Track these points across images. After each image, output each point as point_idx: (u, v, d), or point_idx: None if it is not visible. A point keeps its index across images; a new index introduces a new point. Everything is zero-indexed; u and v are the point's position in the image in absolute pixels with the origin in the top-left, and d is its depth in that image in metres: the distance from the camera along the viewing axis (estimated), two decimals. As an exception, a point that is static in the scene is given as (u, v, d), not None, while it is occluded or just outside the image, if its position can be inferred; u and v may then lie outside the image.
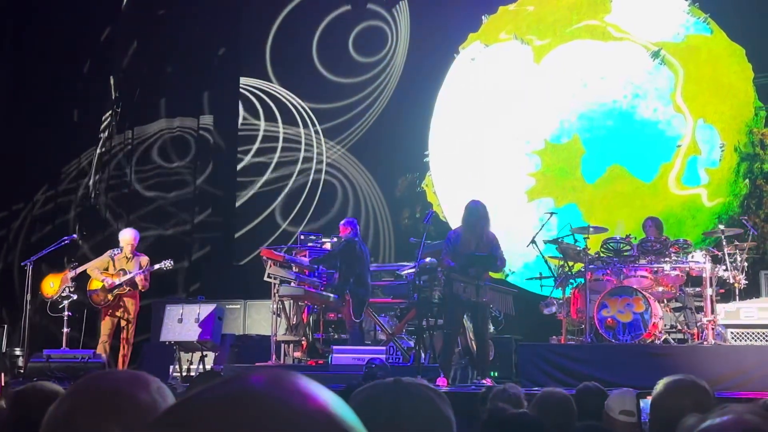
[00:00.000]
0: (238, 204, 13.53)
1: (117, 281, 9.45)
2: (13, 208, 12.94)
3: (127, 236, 9.77)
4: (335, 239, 10.25)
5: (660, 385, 2.82)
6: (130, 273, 9.47)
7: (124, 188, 13.18)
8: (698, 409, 2.36)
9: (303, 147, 13.39)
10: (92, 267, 9.68)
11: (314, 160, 13.30)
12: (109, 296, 9.50)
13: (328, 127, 13.29)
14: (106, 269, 9.63)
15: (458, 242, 8.20)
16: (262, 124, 13.60)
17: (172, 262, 9.63)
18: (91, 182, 13.16)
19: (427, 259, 9.02)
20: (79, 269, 9.76)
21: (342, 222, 9.82)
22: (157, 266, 9.54)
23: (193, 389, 0.82)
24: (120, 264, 9.63)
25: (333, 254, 9.60)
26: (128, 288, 9.52)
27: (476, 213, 8.27)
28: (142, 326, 11.74)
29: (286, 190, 13.35)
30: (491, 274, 8.61)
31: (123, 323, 9.54)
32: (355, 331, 9.24)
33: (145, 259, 9.69)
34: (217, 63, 13.80)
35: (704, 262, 8.56)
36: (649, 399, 2.89)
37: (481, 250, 8.13)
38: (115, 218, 12.53)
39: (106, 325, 9.53)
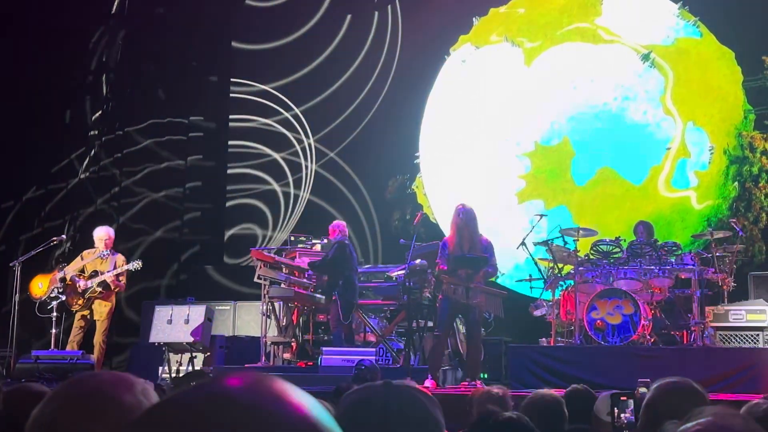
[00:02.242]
0: (228, 205, 13.51)
1: (89, 283, 9.37)
2: (2, 206, 12.88)
3: (100, 233, 9.65)
4: (325, 241, 10.24)
5: (653, 386, 2.81)
6: (102, 274, 9.39)
7: (114, 188, 13.13)
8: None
9: (294, 148, 13.37)
10: (70, 270, 9.60)
11: (305, 161, 13.28)
12: (81, 300, 9.41)
13: (318, 129, 13.28)
14: (82, 272, 9.55)
15: (450, 247, 8.20)
16: (253, 124, 13.58)
17: (140, 262, 9.51)
18: (80, 182, 13.11)
19: (417, 261, 9.02)
20: (68, 270, 9.70)
21: (331, 224, 9.81)
22: (126, 267, 9.43)
23: (177, 389, 0.82)
24: (93, 265, 9.54)
25: (327, 260, 9.51)
26: (100, 290, 9.44)
27: (463, 217, 8.25)
28: (130, 327, 11.74)
29: (278, 190, 13.34)
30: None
31: (96, 316, 9.43)
32: (338, 333, 9.20)
33: (120, 258, 9.55)
34: (209, 63, 13.78)
35: (693, 265, 8.59)
36: (625, 399, 2.89)
37: (472, 253, 8.12)
38: (104, 218, 12.47)
39: (76, 325, 9.49)
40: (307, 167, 13.28)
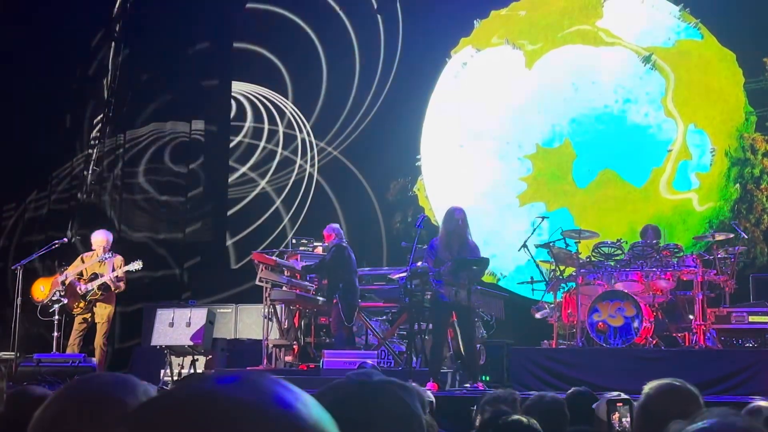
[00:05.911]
0: (230, 208, 13.51)
1: (89, 286, 9.37)
2: (4, 209, 12.89)
3: (99, 238, 9.66)
4: (326, 244, 10.24)
5: (648, 388, 2.80)
6: (102, 276, 9.40)
7: (115, 193, 13.14)
8: (686, 414, 2.35)
9: (295, 151, 13.38)
10: (70, 273, 9.60)
11: (306, 164, 13.29)
12: (81, 303, 9.41)
13: (320, 131, 13.29)
14: (81, 275, 9.55)
15: (439, 248, 8.15)
16: (254, 128, 13.59)
17: (141, 262, 9.51)
18: (82, 186, 13.12)
19: (419, 263, 9.01)
20: (68, 273, 9.70)
21: (325, 229, 9.80)
22: (126, 268, 9.44)
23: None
24: (92, 268, 9.54)
25: (325, 263, 9.53)
26: (101, 293, 9.44)
27: (453, 218, 8.19)
28: (132, 330, 11.73)
29: (279, 194, 13.34)
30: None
31: (97, 319, 9.42)
32: (341, 336, 9.21)
33: (119, 260, 9.55)
34: (209, 67, 13.79)
35: (695, 267, 8.58)
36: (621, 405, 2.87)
37: (463, 255, 8.08)
38: (106, 221, 12.47)
39: (76, 328, 9.50)
40: (308, 168, 13.28)
